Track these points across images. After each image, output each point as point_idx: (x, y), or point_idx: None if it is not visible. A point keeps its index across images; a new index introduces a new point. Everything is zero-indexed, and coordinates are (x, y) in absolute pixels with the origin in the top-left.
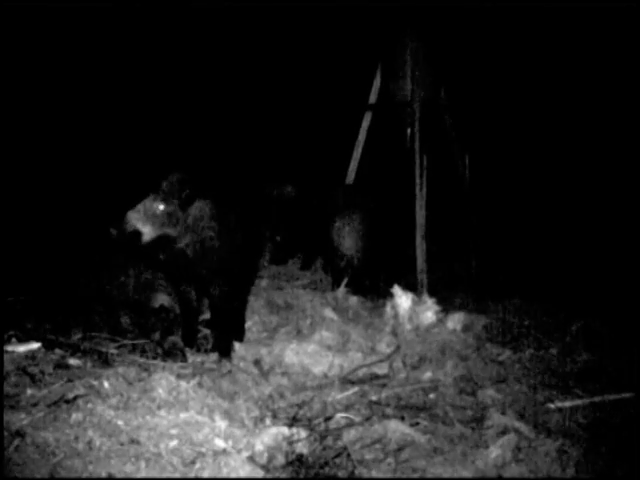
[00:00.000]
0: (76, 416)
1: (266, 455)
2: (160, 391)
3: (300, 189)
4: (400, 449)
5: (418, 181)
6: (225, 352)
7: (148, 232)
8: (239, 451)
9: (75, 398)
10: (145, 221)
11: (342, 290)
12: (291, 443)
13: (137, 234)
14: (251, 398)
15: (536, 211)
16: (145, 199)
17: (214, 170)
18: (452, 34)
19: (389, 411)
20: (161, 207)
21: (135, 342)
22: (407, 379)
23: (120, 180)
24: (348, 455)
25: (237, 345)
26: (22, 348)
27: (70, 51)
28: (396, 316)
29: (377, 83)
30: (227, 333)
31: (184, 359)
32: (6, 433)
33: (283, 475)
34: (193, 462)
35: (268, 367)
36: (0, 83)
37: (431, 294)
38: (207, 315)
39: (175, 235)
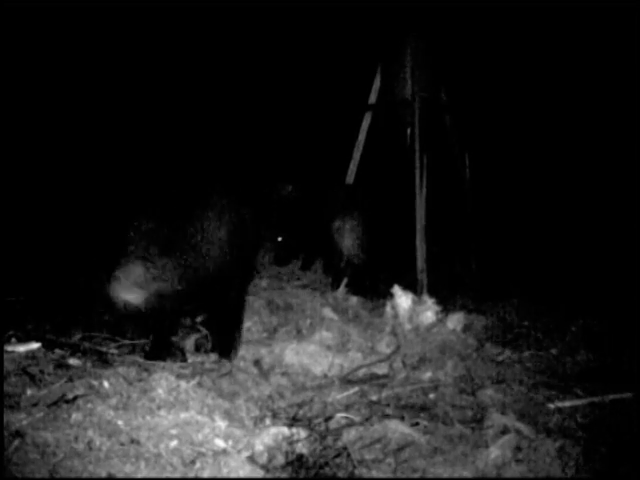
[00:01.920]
0: (76, 416)
1: (266, 455)
2: (160, 391)
3: (300, 189)
4: (400, 449)
5: (418, 181)
6: (225, 352)
7: None
8: (239, 451)
9: (75, 398)
10: None
11: (342, 290)
12: (291, 443)
13: None
14: (251, 398)
15: (536, 211)
16: None
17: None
18: (452, 34)
19: (389, 411)
20: None
21: (135, 342)
22: (407, 379)
23: (119, 181)
24: (348, 455)
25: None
26: (22, 348)
27: (71, 52)
28: (396, 316)
29: (377, 83)
30: (226, 334)
31: (184, 359)
32: (6, 433)
33: (283, 475)
34: (193, 462)
35: (268, 367)
36: (1, 84)
37: (431, 294)
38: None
39: None
